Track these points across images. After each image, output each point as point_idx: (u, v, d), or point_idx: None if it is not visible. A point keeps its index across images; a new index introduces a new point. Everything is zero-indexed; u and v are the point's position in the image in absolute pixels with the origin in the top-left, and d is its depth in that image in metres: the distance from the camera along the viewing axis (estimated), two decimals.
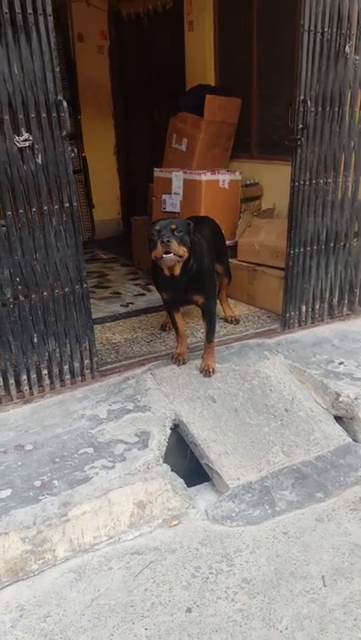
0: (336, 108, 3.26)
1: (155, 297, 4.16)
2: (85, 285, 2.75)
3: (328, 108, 3.23)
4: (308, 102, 3.13)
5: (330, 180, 3.39)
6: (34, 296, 2.63)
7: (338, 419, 3.01)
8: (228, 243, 4.10)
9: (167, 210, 4.20)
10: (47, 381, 2.79)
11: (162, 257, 2.61)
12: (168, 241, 2.57)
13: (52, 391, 2.81)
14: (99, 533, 2.24)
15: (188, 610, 1.97)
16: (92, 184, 6.10)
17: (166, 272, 2.76)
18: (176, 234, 2.62)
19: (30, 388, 2.76)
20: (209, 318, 3.02)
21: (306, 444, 2.78)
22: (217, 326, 3.59)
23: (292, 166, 3.26)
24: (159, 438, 2.56)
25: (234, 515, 2.40)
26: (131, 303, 4.14)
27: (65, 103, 2.44)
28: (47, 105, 2.44)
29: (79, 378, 2.87)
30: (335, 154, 3.35)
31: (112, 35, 6.02)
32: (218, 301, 3.67)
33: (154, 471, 2.40)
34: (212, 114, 4.42)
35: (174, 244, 2.58)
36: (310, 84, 3.12)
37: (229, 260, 4.07)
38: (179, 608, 1.97)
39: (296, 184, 3.28)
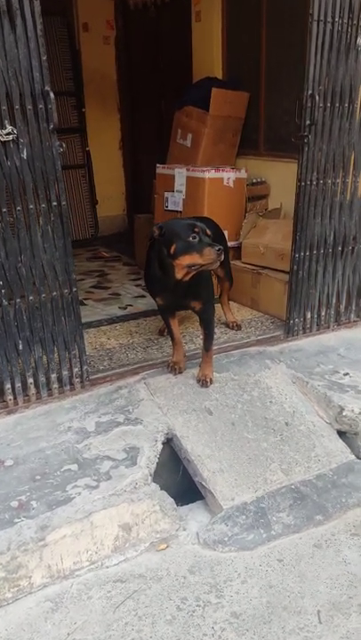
0: (346, 104, 3.07)
1: None
2: (75, 289, 2.60)
3: (338, 104, 3.04)
4: (317, 97, 2.94)
5: (338, 180, 3.20)
6: (18, 300, 2.48)
7: (341, 434, 2.85)
8: (232, 244, 3.94)
9: (169, 208, 4.04)
10: (33, 391, 2.64)
11: (212, 263, 2.47)
12: (220, 250, 2.44)
13: (38, 401, 2.66)
14: (80, 558, 2.09)
15: None
16: (97, 179, 5.94)
17: (179, 277, 2.56)
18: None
19: (15, 398, 2.61)
20: (207, 325, 2.85)
21: (306, 462, 2.61)
22: (218, 332, 3.44)
23: (298, 165, 3.08)
24: (149, 455, 2.41)
25: (226, 539, 2.24)
26: (130, 305, 3.98)
27: (52, 94, 2.28)
28: (33, 96, 2.28)
29: (68, 387, 2.72)
30: (344, 152, 3.16)
31: (118, 25, 5.84)
32: (220, 306, 3.51)
33: (141, 491, 2.24)
34: (218, 108, 4.24)
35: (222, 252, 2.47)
36: (319, 77, 2.93)
37: (233, 261, 3.91)
38: None
39: (302, 184, 3.10)
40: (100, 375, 2.86)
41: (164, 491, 2.35)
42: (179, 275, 2.56)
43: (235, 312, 3.75)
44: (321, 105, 2.99)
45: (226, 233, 3.91)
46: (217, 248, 2.46)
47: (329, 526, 2.36)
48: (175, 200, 3.96)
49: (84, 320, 3.61)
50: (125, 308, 3.91)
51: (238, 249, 3.93)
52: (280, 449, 2.64)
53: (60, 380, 2.70)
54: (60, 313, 2.59)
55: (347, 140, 3.15)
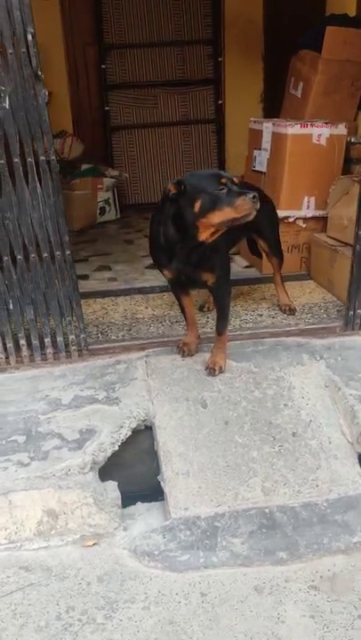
0: None
1: (232, 271, 3.64)
2: (68, 252, 2.43)
3: None
4: None
5: None
6: (5, 258, 2.39)
7: None
8: (319, 213, 3.39)
9: (256, 168, 3.58)
10: (25, 352, 2.57)
11: (248, 214, 2.11)
12: (255, 197, 2.08)
13: (31, 364, 2.59)
14: None
15: None
16: (228, 135, 5.55)
17: (203, 238, 2.21)
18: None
19: (7, 357, 2.57)
20: (220, 303, 2.48)
21: (299, 484, 2.16)
22: (265, 314, 3.03)
23: None
24: (103, 441, 2.19)
25: (156, 553, 1.96)
26: None
27: (30, 36, 2.08)
28: (15, 38, 2.10)
29: (63, 354, 2.60)
30: None
31: None
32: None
33: (72, 479, 2.05)
34: (332, 51, 3.60)
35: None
36: None
37: (318, 234, 3.38)
38: None
39: None
40: (103, 346, 2.69)
41: (114, 482, 2.15)
42: (202, 236, 2.19)
43: (309, 292, 3.25)
44: None
45: (313, 200, 3.38)
46: (252, 195, 2.07)
47: (289, 569, 1.93)
48: (261, 159, 3.49)
49: (140, 285, 3.47)
50: None
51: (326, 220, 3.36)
52: (271, 462, 2.22)
53: (54, 345, 2.59)
54: (52, 276, 2.45)
55: None
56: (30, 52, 2.12)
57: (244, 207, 2.07)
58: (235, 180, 2.18)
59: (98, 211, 4.88)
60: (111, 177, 4.92)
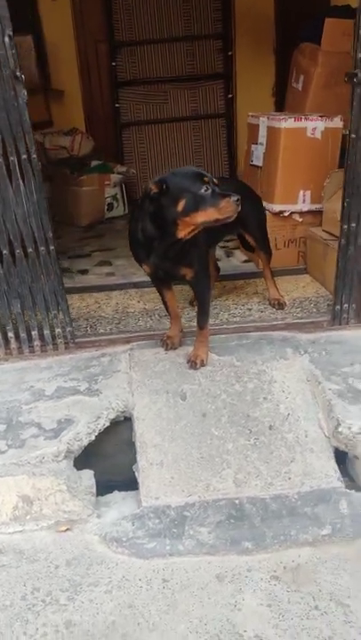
0: None
1: (230, 265, 3.68)
2: (52, 247, 2.50)
3: None
4: None
5: None
6: None
7: (344, 454, 2.31)
8: (315, 207, 3.38)
9: (253, 163, 3.58)
10: (14, 345, 2.66)
11: (231, 216, 2.17)
12: (238, 200, 2.14)
13: (19, 355, 2.67)
14: None
15: None
16: (240, 130, 5.54)
17: (181, 236, 2.24)
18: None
19: None
20: (201, 298, 2.52)
21: (271, 477, 2.19)
22: (254, 308, 3.04)
23: (350, 112, 2.45)
24: (80, 430, 2.25)
25: (124, 539, 2.02)
26: None
27: (8, 38, 2.14)
28: None
29: (50, 346, 2.68)
30: None
31: None
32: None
33: (46, 467, 2.12)
34: (332, 42, 3.57)
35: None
36: None
37: (313, 228, 3.37)
38: None
39: (354, 136, 2.47)
40: (90, 339, 2.75)
41: (89, 470, 2.22)
42: (181, 234, 2.23)
43: (303, 287, 3.25)
44: None
45: (308, 194, 3.38)
46: (235, 198, 2.13)
47: (253, 559, 1.96)
48: (258, 153, 3.49)
49: (137, 279, 3.52)
50: None
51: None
52: (245, 455, 2.25)
53: (42, 338, 2.67)
54: (37, 270, 2.53)
55: None
56: (8, 54, 2.18)
57: (228, 209, 2.14)
58: (215, 180, 2.21)
59: (106, 207, 4.95)
60: (118, 173, 4.98)
